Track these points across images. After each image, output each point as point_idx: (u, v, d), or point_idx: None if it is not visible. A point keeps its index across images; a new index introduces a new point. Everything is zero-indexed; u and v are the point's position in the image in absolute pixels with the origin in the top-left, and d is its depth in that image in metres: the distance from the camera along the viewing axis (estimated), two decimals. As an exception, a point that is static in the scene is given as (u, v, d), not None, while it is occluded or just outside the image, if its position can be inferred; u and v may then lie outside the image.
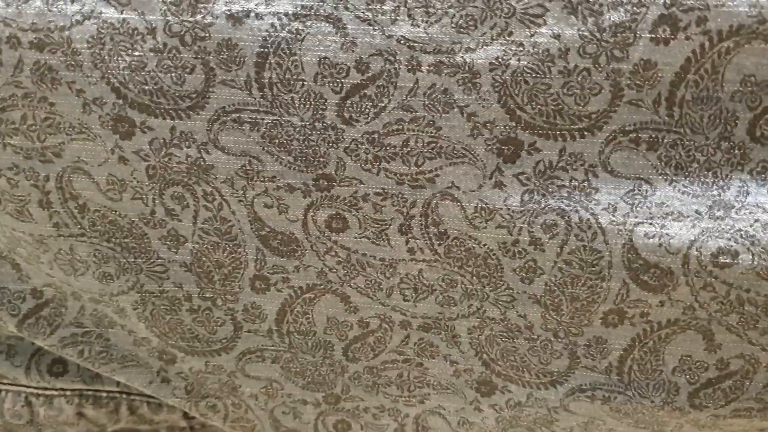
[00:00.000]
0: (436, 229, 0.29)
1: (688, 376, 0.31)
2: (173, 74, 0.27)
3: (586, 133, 0.27)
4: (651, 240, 0.27)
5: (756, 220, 0.27)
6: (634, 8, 0.25)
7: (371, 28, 0.26)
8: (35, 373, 0.35)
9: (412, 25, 0.26)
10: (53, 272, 0.32)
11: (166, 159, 0.28)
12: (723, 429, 0.32)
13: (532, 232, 0.28)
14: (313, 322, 0.32)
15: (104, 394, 0.35)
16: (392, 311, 0.32)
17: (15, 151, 0.29)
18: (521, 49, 0.26)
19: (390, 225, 0.29)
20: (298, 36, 0.26)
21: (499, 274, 0.29)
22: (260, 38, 0.26)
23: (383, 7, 0.26)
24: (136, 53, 0.27)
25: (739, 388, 0.30)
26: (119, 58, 0.27)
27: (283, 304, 0.32)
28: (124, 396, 0.36)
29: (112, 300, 0.32)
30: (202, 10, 0.26)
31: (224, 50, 0.26)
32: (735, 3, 0.25)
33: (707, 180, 0.27)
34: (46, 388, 0.35)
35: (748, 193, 0.27)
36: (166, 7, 0.26)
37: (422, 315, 0.32)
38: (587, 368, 0.31)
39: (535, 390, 0.33)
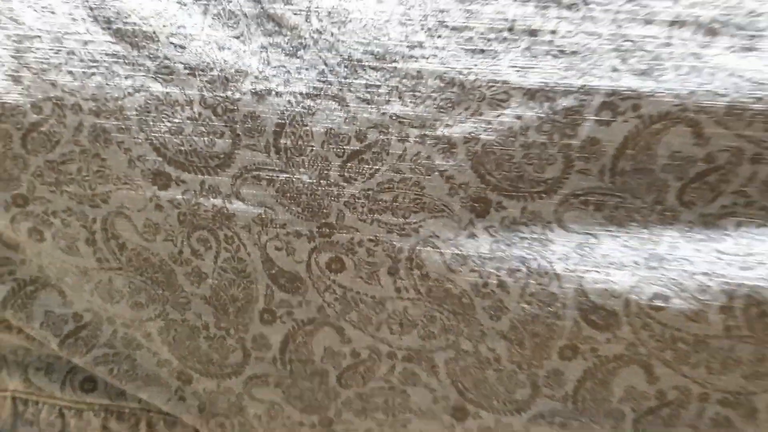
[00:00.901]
0: (419, 272, 0.34)
1: (632, 405, 0.35)
2: (205, 138, 0.33)
3: (543, 195, 0.32)
4: (598, 285, 0.33)
5: (684, 270, 0.32)
6: (582, 96, 0.31)
7: (369, 106, 0.32)
8: (69, 388, 0.40)
9: (402, 104, 0.32)
10: (93, 299, 0.37)
11: (195, 207, 0.34)
12: (665, 453, 0.37)
13: (499, 276, 0.33)
14: (312, 351, 0.37)
15: (127, 410, 0.40)
16: (380, 343, 0.37)
17: (70, 197, 0.34)
18: (490, 125, 0.32)
19: (380, 267, 0.34)
20: (310, 111, 0.32)
21: (471, 311, 0.34)
22: (278, 112, 0.32)
23: (379, 90, 0.32)
24: (176, 120, 0.32)
25: (676, 416, 0.35)
26: (161, 124, 0.33)
27: (286, 335, 0.37)
28: (144, 412, 0.40)
29: (141, 325, 0.38)
30: (232, 88, 0.32)
31: (249, 120, 0.32)
32: (663, 94, 0.30)
33: (644, 236, 0.32)
34: (77, 402, 0.40)
35: (677, 248, 0.32)
36: (202, 84, 0.32)
37: (406, 347, 0.36)
38: (547, 397, 0.36)
39: (502, 416, 0.38)
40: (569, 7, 0.31)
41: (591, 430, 0.36)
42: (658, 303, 0.32)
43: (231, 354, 0.38)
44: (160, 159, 0.33)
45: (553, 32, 0.31)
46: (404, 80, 0.32)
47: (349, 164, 0.33)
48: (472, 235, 0.33)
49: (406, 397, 0.38)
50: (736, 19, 0.30)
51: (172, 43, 0.32)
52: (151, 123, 0.33)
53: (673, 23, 0.30)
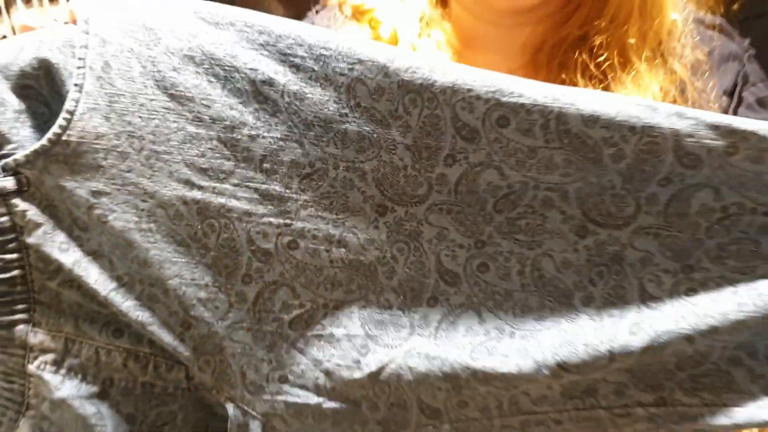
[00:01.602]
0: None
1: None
2: (220, 161, 0.54)
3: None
4: None
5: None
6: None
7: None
8: (104, 334, 0.58)
9: None
10: (132, 265, 0.56)
11: (207, 203, 0.54)
12: None
13: None
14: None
15: (141, 354, 0.58)
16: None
17: (129, 193, 0.55)
18: None
19: None
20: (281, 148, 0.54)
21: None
22: (263, 147, 0.53)
23: None
24: (201, 149, 0.54)
25: None
26: (192, 150, 0.54)
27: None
28: (152, 356, 0.58)
29: (162, 284, 0.56)
30: (236, 133, 0.54)
31: (246, 151, 0.53)
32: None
33: None
34: (108, 344, 0.57)
35: None
36: (219, 128, 0.54)
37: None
38: None
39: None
40: None
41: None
42: None
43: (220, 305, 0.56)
44: (190, 171, 0.54)
45: None
46: None
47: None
48: None
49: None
50: None
51: (202, 102, 0.53)
52: (186, 149, 0.54)
53: None
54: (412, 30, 0.75)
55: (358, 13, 0.78)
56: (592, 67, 0.69)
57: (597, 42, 0.69)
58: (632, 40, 0.69)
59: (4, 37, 1.30)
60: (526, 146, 0.49)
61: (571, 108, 0.48)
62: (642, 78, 0.69)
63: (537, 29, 0.74)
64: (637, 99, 0.48)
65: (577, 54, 0.70)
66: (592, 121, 0.47)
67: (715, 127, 0.46)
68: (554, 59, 0.72)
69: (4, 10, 1.31)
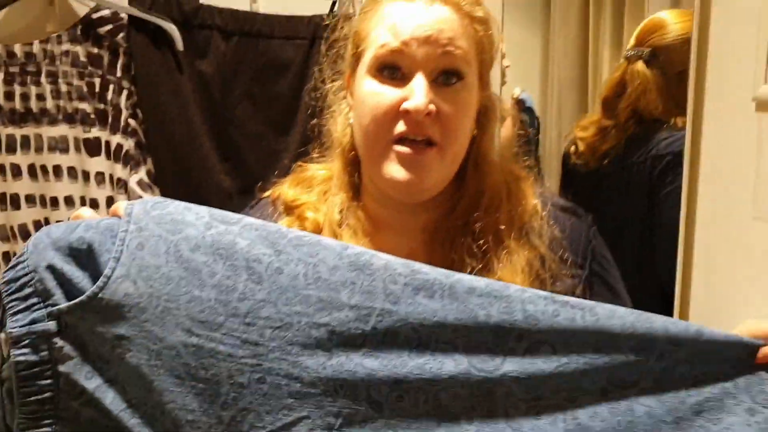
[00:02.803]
0: None
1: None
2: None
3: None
4: None
5: None
6: None
7: None
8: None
9: None
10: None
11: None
12: None
13: None
14: None
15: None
16: None
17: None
18: None
19: None
20: None
21: None
22: None
23: None
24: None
25: None
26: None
27: None
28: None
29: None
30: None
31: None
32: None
33: None
34: None
35: None
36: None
37: None
38: None
39: None
40: None
41: None
42: None
43: None
44: (192, 323, 0.72)
45: None
46: None
47: None
48: None
49: None
50: None
51: (207, 274, 0.72)
52: (190, 307, 0.72)
53: None
54: (334, 219, 0.91)
55: (288, 208, 0.95)
56: (474, 248, 0.86)
57: (477, 228, 0.87)
58: (503, 226, 0.87)
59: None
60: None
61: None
62: (512, 254, 0.85)
63: (432, 215, 0.90)
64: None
65: (462, 238, 0.86)
66: None
67: None
68: (446, 241, 0.88)
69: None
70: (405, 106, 0.82)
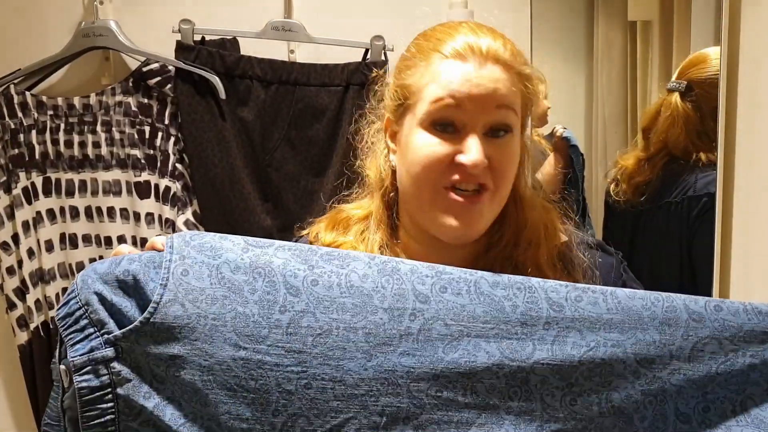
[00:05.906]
0: None
1: None
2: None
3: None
4: None
5: None
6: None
7: None
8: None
9: None
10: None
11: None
12: None
13: None
14: None
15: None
16: None
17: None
18: None
19: None
20: None
21: None
22: None
23: None
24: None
25: None
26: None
27: None
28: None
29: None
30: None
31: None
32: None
33: None
34: None
35: None
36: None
37: None
38: None
39: None
40: None
41: None
42: None
43: None
44: (238, 337, 0.79)
45: None
46: None
47: None
48: None
49: None
50: None
51: (249, 291, 0.76)
52: (236, 323, 0.79)
53: None
54: None
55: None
56: None
57: (518, 262, 0.91)
58: (544, 259, 0.91)
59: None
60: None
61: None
62: None
63: (470, 250, 0.94)
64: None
65: (503, 271, 0.84)
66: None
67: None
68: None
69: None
70: (461, 160, 0.86)
